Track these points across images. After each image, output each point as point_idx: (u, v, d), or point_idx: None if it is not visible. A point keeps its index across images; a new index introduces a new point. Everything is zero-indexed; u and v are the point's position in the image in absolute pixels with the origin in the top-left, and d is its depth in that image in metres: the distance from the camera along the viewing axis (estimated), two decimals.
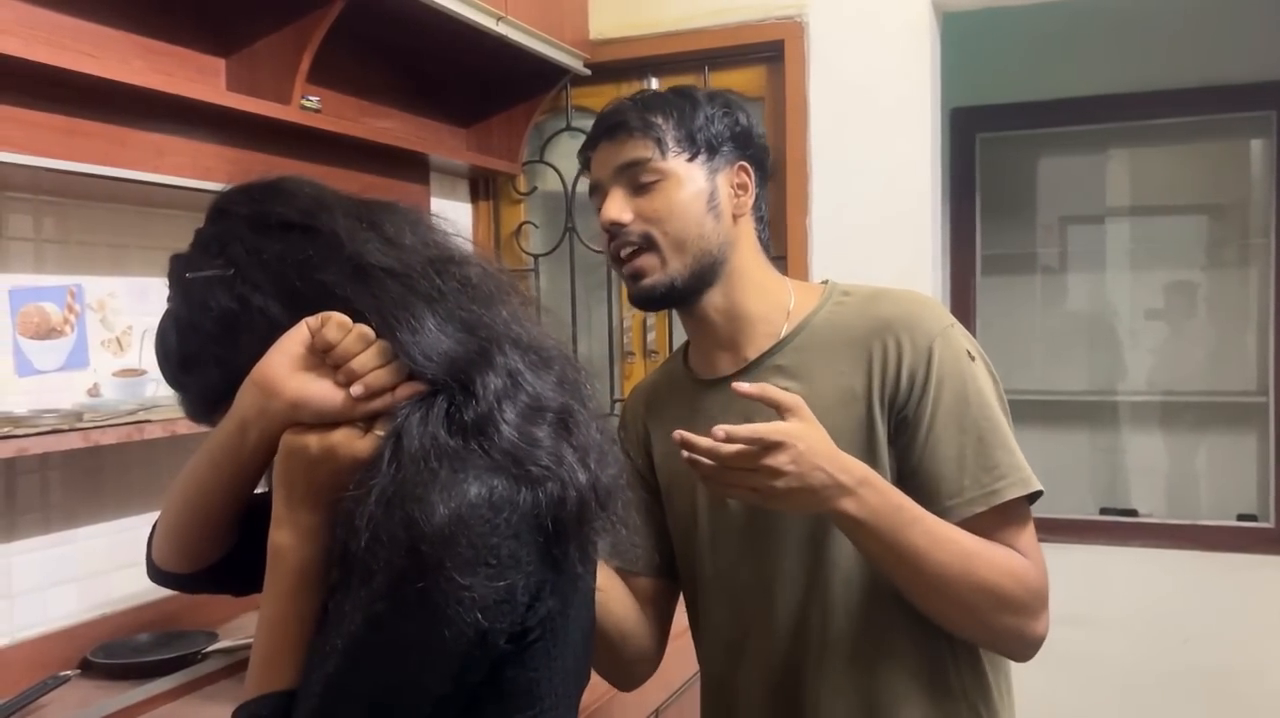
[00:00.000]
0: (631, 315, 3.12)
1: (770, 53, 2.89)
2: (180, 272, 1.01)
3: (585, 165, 1.41)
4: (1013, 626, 1.24)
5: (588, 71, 3.00)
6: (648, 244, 1.31)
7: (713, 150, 1.35)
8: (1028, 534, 1.27)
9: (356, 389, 0.90)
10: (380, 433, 0.90)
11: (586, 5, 3.00)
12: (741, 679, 1.40)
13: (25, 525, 1.95)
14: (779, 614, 1.35)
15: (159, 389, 2.12)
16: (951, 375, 1.28)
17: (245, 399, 0.93)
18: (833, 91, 2.83)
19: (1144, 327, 4.07)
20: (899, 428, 1.29)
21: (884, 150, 2.79)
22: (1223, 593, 3.55)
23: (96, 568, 2.08)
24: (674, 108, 1.34)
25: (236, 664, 2.04)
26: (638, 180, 1.32)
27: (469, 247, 1.04)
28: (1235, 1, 3.63)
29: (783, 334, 1.36)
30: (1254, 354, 3.82)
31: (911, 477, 1.28)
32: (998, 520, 1.25)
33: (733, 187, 1.36)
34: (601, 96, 3.08)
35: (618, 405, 3.08)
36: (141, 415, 1.89)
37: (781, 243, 2.88)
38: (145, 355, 2.15)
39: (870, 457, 1.27)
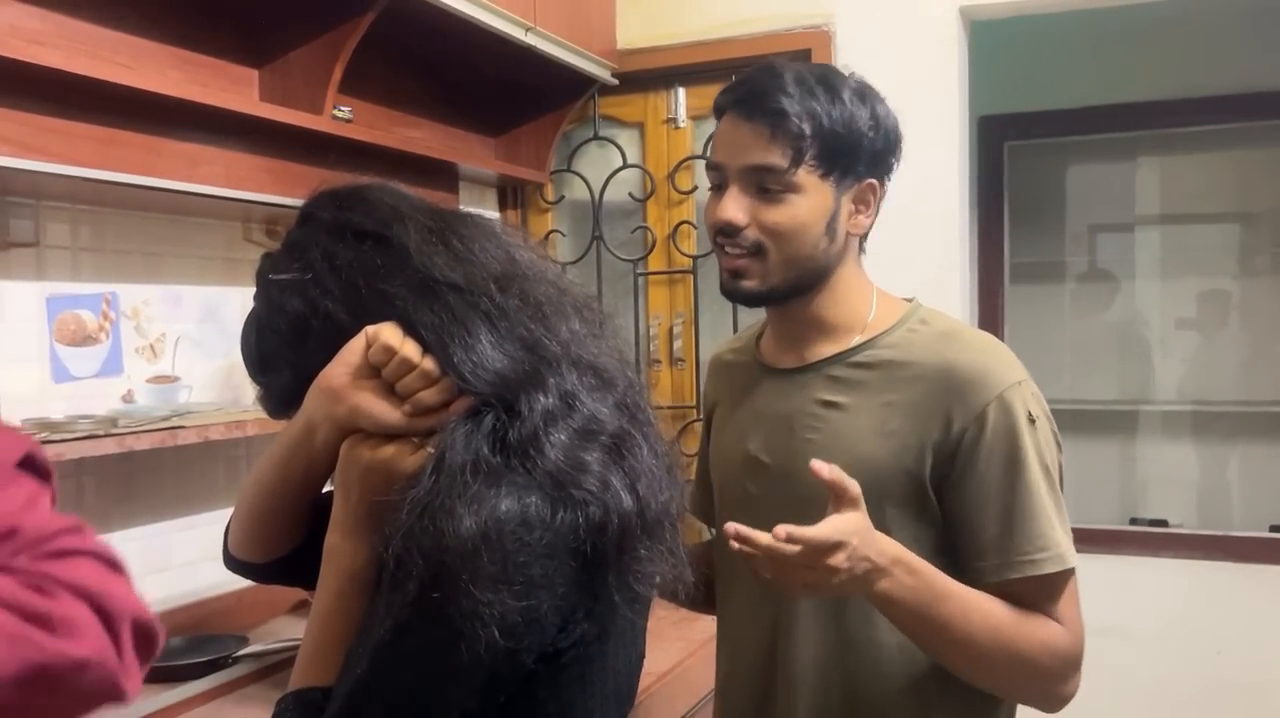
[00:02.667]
0: (658, 324, 3.13)
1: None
2: (265, 273, 1.04)
3: (716, 113, 1.35)
4: (1040, 691, 1.28)
5: (615, 81, 3.01)
6: (757, 252, 1.29)
7: (847, 172, 1.30)
8: (1064, 602, 1.27)
9: (406, 408, 0.93)
10: (431, 449, 0.92)
11: (614, 15, 3.01)
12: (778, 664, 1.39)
13: None
14: (804, 618, 1.35)
15: (191, 396, 2.14)
16: (1004, 438, 1.25)
17: (312, 402, 0.97)
18: None
19: (1175, 336, 4.04)
20: (943, 476, 1.27)
21: (912, 159, 2.72)
22: (1255, 605, 3.51)
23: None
24: (825, 116, 1.27)
25: (267, 668, 2.06)
26: (764, 185, 1.28)
27: (544, 262, 1.05)
28: (1264, 8, 3.60)
29: (851, 345, 1.36)
30: None
31: (951, 527, 1.28)
32: (1034, 589, 1.25)
33: (854, 204, 1.33)
34: (629, 106, 3.10)
35: None
36: (175, 422, 1.91)
37: None
38: (178, 362, 2.18)
39: (902, 492, 1.28)
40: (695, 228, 3.05)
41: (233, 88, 2.18)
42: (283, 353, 1.02)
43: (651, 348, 3.14)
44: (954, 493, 1.26)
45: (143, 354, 2.13)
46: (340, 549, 0.96)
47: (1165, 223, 4.10)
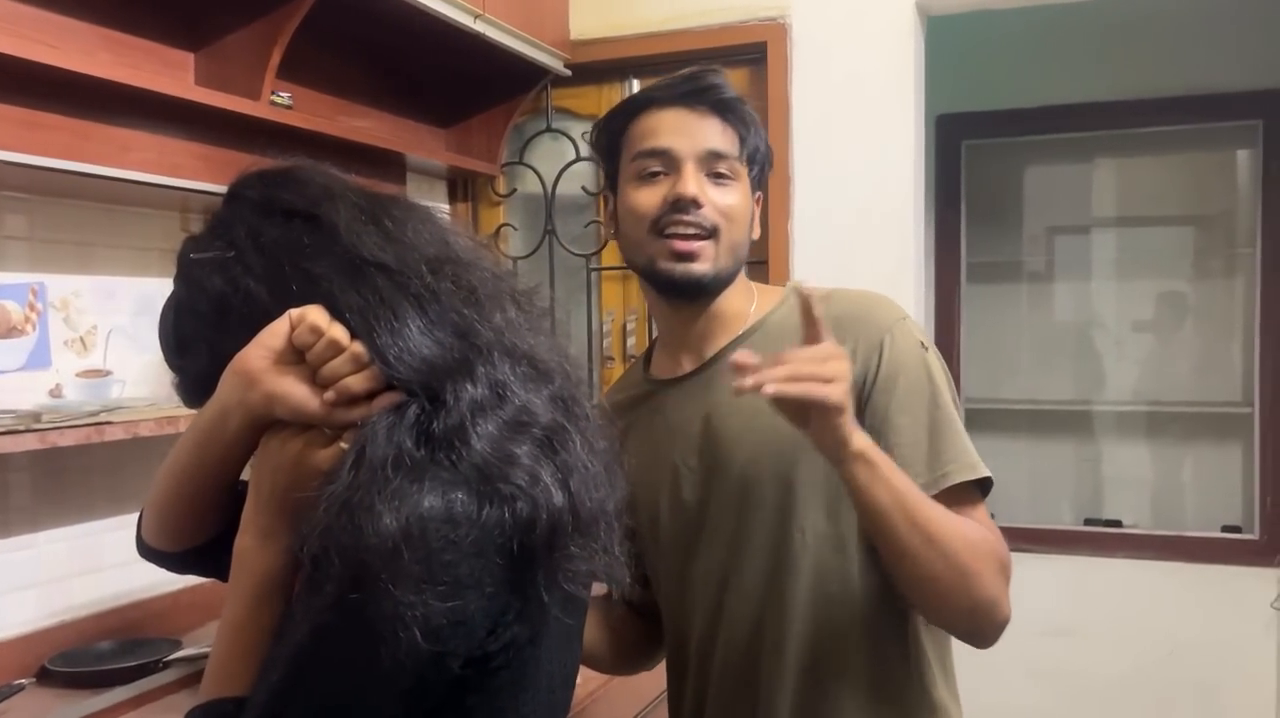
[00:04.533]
0: (611, 320, 3.08)
1: (753, 55, 2.86)
2: (186, 254, 1.00)
3: (637, 107, 1.36)
4: (990, 595, 1.23)
5: (568, 72, 2.96)
6: (711, 233, 1.30)
7: (758, 178, 1.38)
8: (980, 513, 1.29)
9: (328, 395, 0.88)
10: (344, 445, 0.87)
11: (567, 5, 2.96)
12: (703, 679, 1.39)
13: None
14: (736, 618, 1.34)
15: (124, 390, 2.07)
16: (905, 367, 1.29)
17: (226, 386, 0.91)
18: (816, 94, 2.79)
19: (1131, 337, 4.05)
20: (861, 413, 1.27)
21: (867, 154, 2.76)
22: (1208, 605, 3.53)
23: (57, 573, 2.03)
24: (749, 117, 1.36)
25: (198, 673, 1.98)
26: (716, 170, 1.31)
27: (479, 249, 1.01)
28: (1222, 10, 3.61)
29: (742, 330, 1.37)
30: (1239, 365, 3.80)
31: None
32: (962, 497, 1.27)
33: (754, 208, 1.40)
34: (583, 98, 3.05)
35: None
36: (103, 417, 1.84)
37: (764, 247, 2.84)
38: (110, 356, 2.10)
39: None
40: None
41: (166, 71, 2.11)
42: (201, 334, 0.97)
43: (605, 345, 3.09)
44: (878, 425, 1.27)
45: (72, 347, 2.05)
46: (251, 552, 0.91)
47: (1121, 225, 4.11)
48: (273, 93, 2.12)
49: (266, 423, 0.91)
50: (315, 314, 0.88)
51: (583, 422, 0.96)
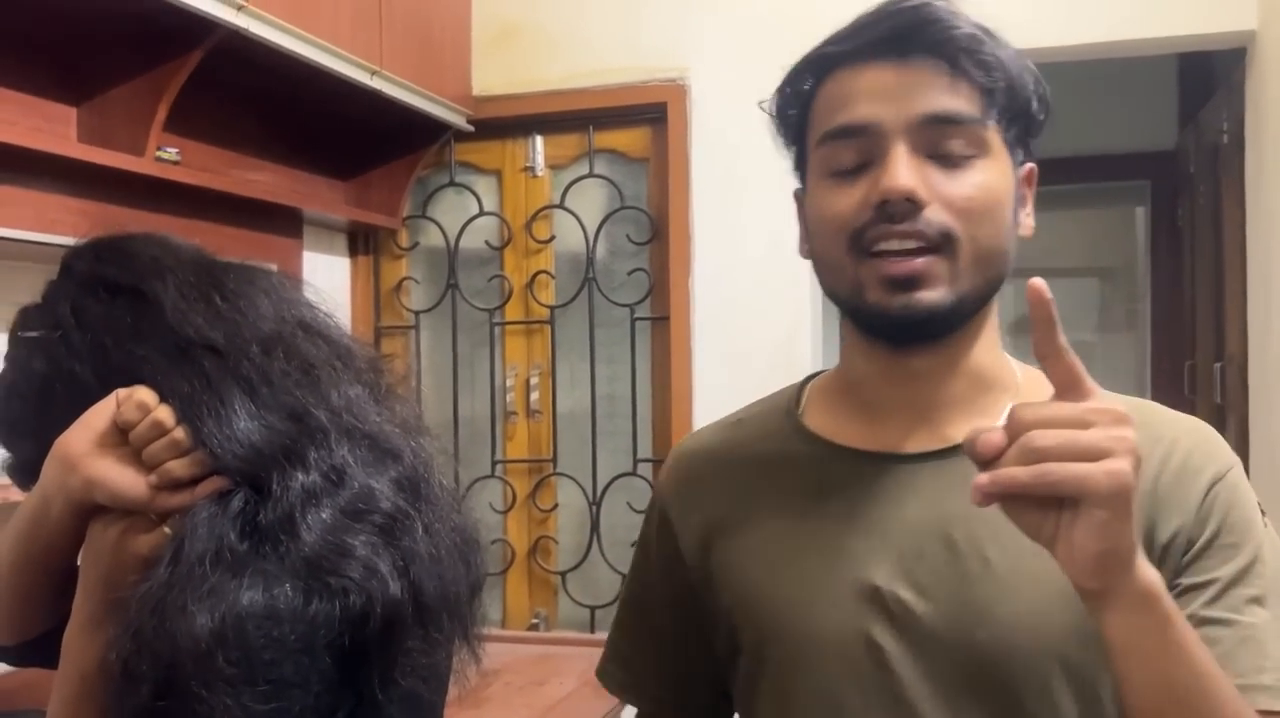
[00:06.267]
0: (515, 375, 3.06)
1: (654, 114, 2.88)
2: (15, 328, 0.97)
3: (821, 68, 0.93)
4: None
5: (470, 128, 2.95)
6: (944, 244, 0.86)
7: (1019, 143, 0.94)
8: None
9: (151, 479, 0.85)
10: (168, 530, 0.84)
11: (469, 61, 2.96)
12: None
13: None
14: None
15: None
16: (1246, 530, 0.87)
17: (48, 472, 0.88)
18: (716, 155, 2.82)
19: None
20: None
21: (766, 215, 2.79)
22: None
23: None
24: (1008, 60, 0.90)
25: None
26: (945, 148, 0.88)
27: (327, 319, 0.98)
28: (1115, 72, 3.74)
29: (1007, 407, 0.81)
30: None
31: None
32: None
33: (1023, 191, 0.96)
34: (486, 153, 3.05)
35: (499, 467, 3.02)
36: None
37: (665, 304, 2.85)
38: None
39: None
40: (553, 277, 3.00)
41: (47, 126, 2.06)
42: (26, 418, 0.94)
43: (508, 399, 3.07)
44: (1192, 598, 0.85)
45: None
46: (76, 646, 0.87)
47: (1021, 277, 4.20)
48: (159, 148, 2.08)
49: (91, 509, 0.88)
50: (143, 393, 0.86)
51: (431, 503, 0.94)
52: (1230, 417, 2.84)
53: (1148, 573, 0.72)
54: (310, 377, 0.91)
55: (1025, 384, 0.95)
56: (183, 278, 0.93)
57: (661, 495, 1.07)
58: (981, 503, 0.69)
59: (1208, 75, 3.51)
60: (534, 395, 3.04)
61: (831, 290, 0.94)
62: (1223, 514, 0.87)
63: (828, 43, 0.92)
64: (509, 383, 3.06)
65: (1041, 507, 0.70)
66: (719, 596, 0.98)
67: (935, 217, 0.86)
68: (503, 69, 2.96)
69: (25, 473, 0.96)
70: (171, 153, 2.13)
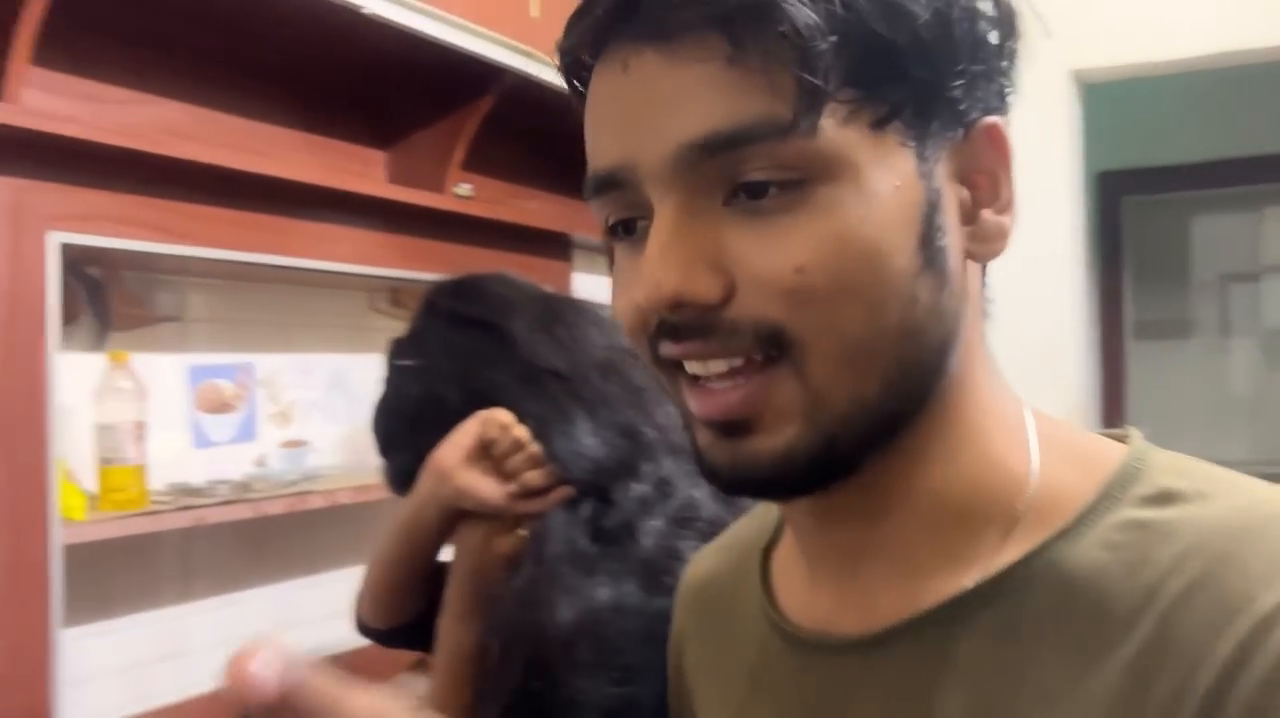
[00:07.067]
0: None
1: None
2: (391, 358, 1.12)
3: (572, 68, 0.59)
4: None
5: None
6: (772, 348, 0.51)
7: (931, 105, 0.52)
8: None
9: (511, 487, 0.98)
10: (524, 533, 0.97)
11: None
12: None
13: (199, 589, 2.08)
14: None
15: (320, 459, 2.25)
16: None
17: (424, 482, 1.03)
18: None
19: None
20: None
21: (1023, 218, 2.77)
22: None
23: (259, 630, 2.20)
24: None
25: None
26: (745, 182, 0.51)
27: None
28: None
29: (996, 569, 0.53)
30: None
31: None
32: None
33: (966, 176, 0.56)
34: None
35: None
36: (304, 487, 2.01)
37: None
38: (307, 427, 2.29)
39: None
40: None
41: (361, 169, 2.30)
42: (404, 435, 1.10)
43: None
44: None
45: (274, 420, 2.24)
46: (452, 632, 1.01)
47: (1239, 282, 3.97)
48: (456, 184, 2.29)
49: (458, 514, 1.02)
50: (502, 414, 1.00)
51: (744, 511, 1.03)
52: None
53: None
54: (638, 398, 1.02)
55: (1044, 486, 0.55)
56: (529, 312, 1.07)
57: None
58: None
59: None
60: None
61: None
62: None
63: (569, 30, 0.57)
64: None
65: None
66: None
67: (746, 312, 0.51)
68: None
69: (399, 481, 1.12)
70: (466, 188, 2.33)
